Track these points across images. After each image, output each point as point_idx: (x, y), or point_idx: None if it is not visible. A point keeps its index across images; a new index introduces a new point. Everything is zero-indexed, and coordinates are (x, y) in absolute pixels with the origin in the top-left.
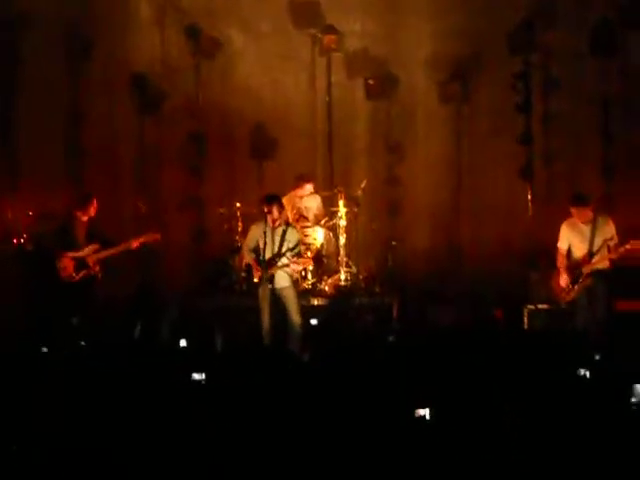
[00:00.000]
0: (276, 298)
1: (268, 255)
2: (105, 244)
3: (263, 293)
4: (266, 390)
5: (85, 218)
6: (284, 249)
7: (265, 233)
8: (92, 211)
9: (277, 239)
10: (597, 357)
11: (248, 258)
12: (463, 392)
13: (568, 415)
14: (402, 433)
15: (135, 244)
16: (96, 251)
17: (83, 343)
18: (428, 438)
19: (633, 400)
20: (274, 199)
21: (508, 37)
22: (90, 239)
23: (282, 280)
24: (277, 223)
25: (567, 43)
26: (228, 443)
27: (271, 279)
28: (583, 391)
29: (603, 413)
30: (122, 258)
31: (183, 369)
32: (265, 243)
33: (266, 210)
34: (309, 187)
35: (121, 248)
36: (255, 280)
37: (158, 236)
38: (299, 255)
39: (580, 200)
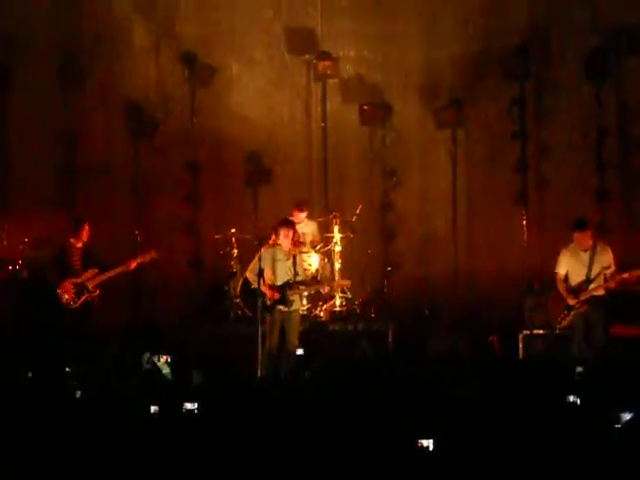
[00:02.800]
0: (283, 320)
1: (285, 279)
2: (103, 268)
3: (276, 316)
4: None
5: (79, 244)
6: (299, 273)
7: (284, 257)
8: (84, 236)
9: (290, 263)
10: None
11: (255, 282)
12: (459, 419)
13: (559, 441)
14: (399, 462)
15: (133, 265)
16: (95, 275)
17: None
18: (423, 467)
19: (617, 426)
20: (293, 224)
21: (503, 64)
22: (87, 264)
23: (297, 302)
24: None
25: (562, 71)
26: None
27: (289, 302)
28: (573, 418)
29: (590, 439)
30: (115, 287)
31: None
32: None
33: (283, 235)
34: (302, 216)
35: (119, 270)
36: (268, 303)
37: (154, 254)
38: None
39: (584, 225)
